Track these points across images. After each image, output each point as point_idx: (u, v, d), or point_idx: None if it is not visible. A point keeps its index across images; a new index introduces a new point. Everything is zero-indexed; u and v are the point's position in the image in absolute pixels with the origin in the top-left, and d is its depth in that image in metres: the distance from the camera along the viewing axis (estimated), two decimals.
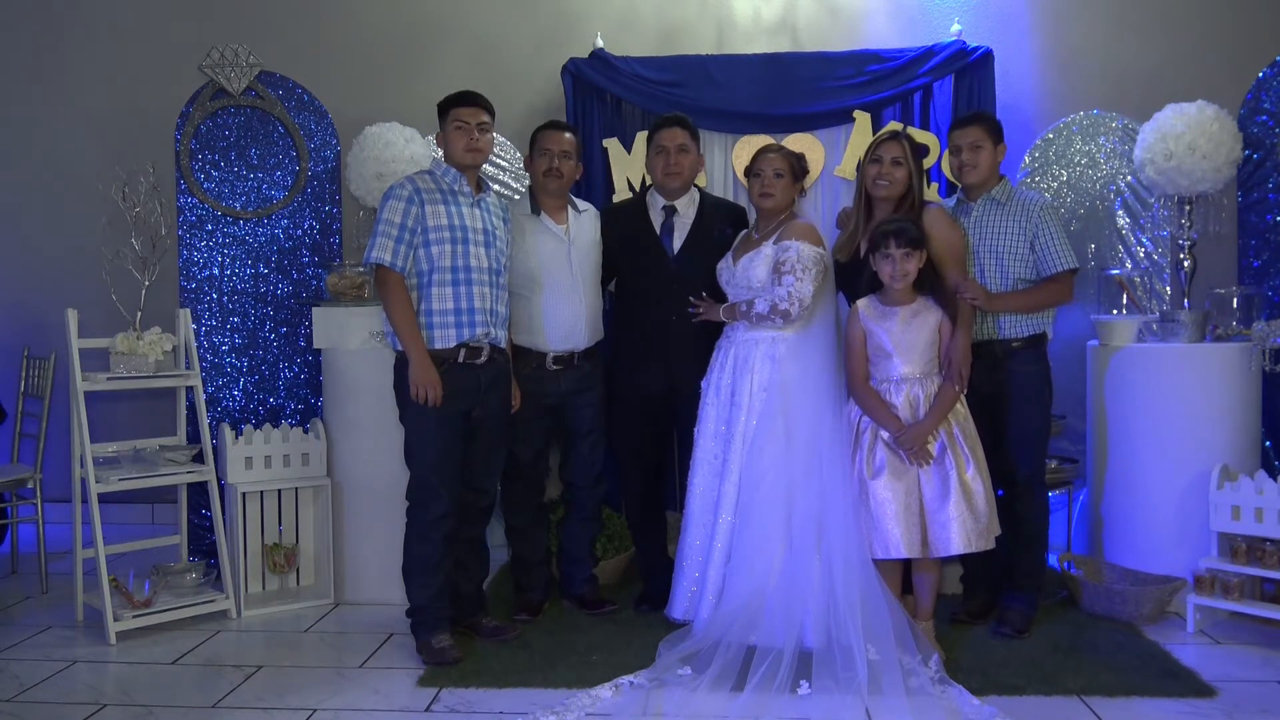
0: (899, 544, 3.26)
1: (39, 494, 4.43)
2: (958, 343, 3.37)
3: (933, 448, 3.31)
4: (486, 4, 5.06)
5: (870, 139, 4.24)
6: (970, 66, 4.53)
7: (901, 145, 3.49)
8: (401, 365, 3.43)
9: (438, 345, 3.41)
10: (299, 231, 4.82)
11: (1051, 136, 4.68)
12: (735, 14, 4.96)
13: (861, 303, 3.45)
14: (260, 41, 4.84)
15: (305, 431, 4.16)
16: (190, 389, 4.09)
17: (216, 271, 4.76)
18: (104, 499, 3.90)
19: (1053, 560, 3.95)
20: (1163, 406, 3.82)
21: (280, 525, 4.21)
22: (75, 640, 3.72)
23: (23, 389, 4.62)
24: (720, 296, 3.69)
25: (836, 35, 4.91)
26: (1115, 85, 4.79)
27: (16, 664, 3.48)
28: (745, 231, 3.75)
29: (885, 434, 3.34)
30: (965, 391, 3.39)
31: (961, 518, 3.25)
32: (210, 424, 4.24)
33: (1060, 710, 2.99)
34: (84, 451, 3.79)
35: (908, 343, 3.35)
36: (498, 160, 4.81)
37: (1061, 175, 4.66)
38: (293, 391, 4.82)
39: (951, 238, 3.48)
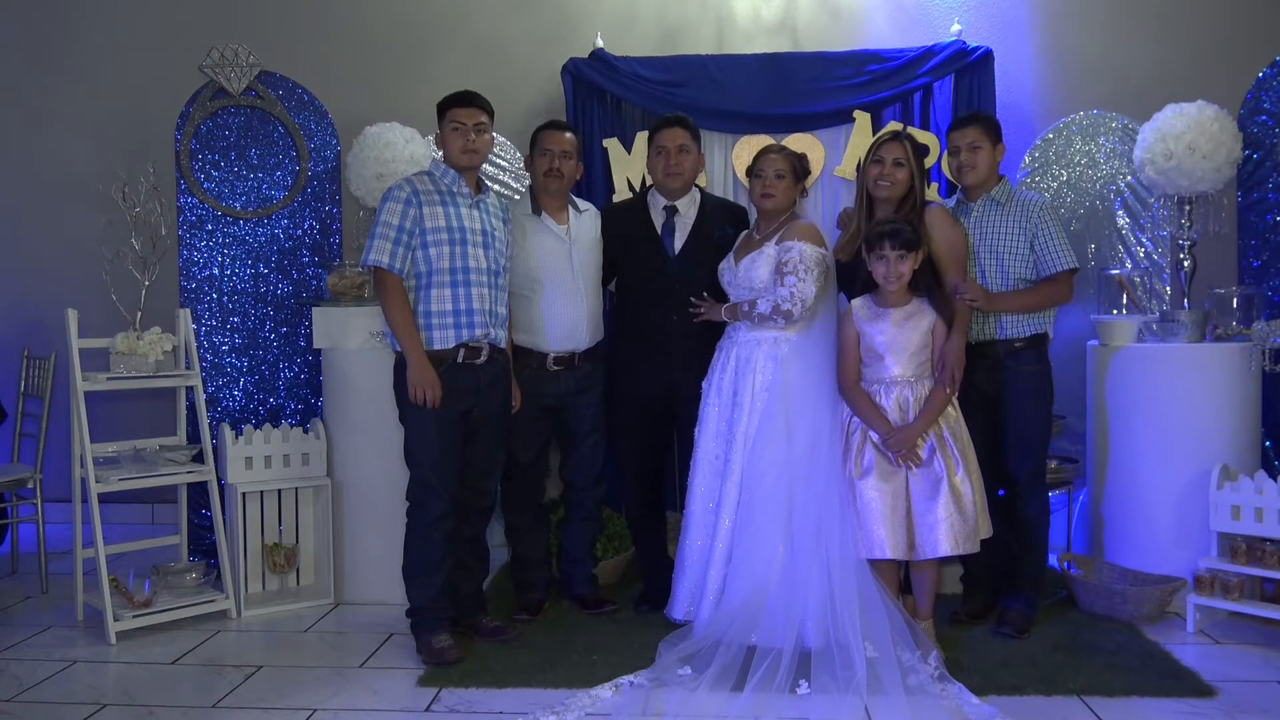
0: (884, 545, 3.26)
1: (39, 494, 4.43)
2: (952, 345, 3.36)
3: (922, 450, 3.31)
4: (486, 4, 5.06)
5: (870, 139, 4.24)
6: (970, 66, 4.53)
7: (903, 146, 3.49)
8: (401, 366, 3.43)
9: (436, 346, 3.41)
10: (299, 231, 4.82)
11: (1051, 136, 4.68)
12: (735, 14, 4.96)
13: (856, 303, 3.45)
14: (260, 41, 4.84)
15: (305, 431, 4.16)
16: (190, 389, 4.09)
17: (216, 271, 4.76)
18: (104, 499, 3.90)
19: (1053, 560, 3.95)
20: (1163, 406, 3.82)
21: (280, 525, 4.21)
22: (75, 640, 3.72)
23: (23, 389, 4.62)
24: (721, 297, 3.69)
25: (836, 35, 4.91)
26: (1115, 85, 4.79)
27: (16, 664, 3.48)
28: (746, 232, 3.75)
29: (874, 435, 3.34)
30: (956, 395, 3.39)
31: (949, 519, 3.26)
32: (210, 424, 4.24)
33: (1060, 710, 2.99)
34: (84, 451, 3.79)
35: (900, 344, 3.35)
36: (498, 160, 4.81)
37: (1061, 175, 4.66)
38: (293, 391, 4.82)
39: (952, 238, 3.48)
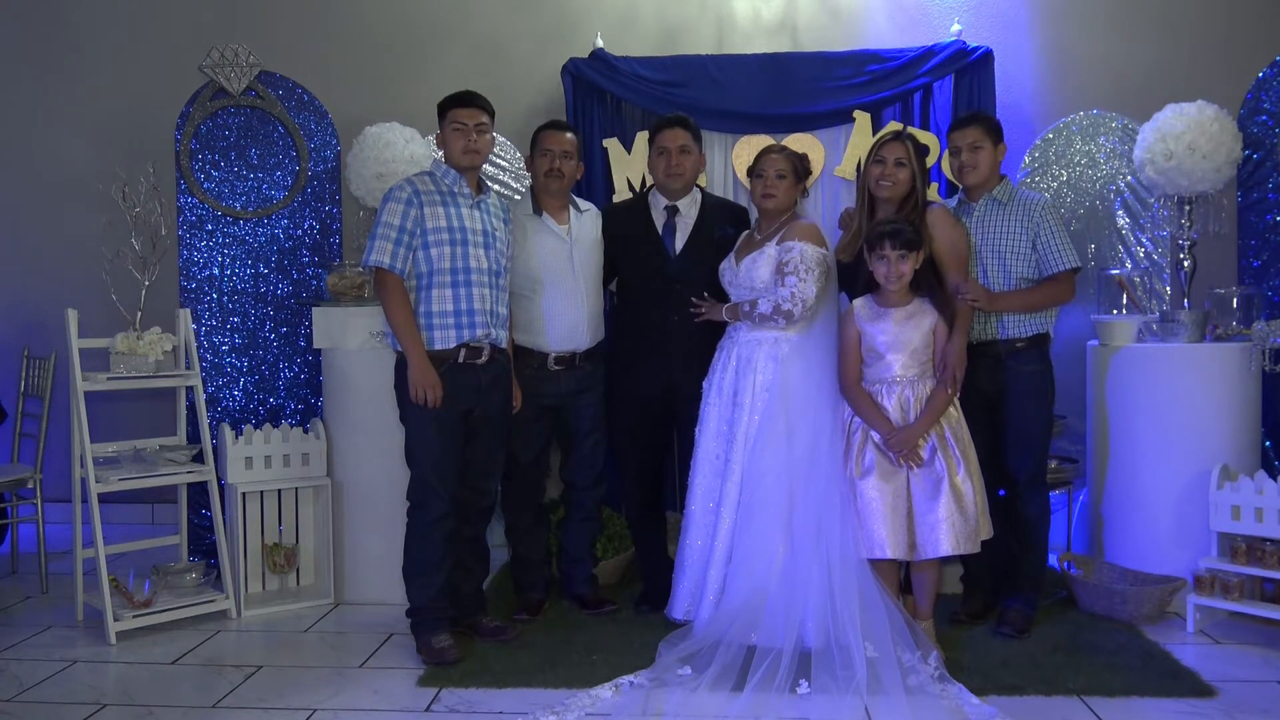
0: (884, 544, 3.26)
1: (39, 494, 4.43)
2: (953, 345, 3.36)
3: (923, 450, 3.31)
4: (487, 4, 5.06)
5: (870, 139, 4.25)
6: (970, 66, 4.53)
7: (905, 146, 3.48)
8: (402, 366, 3.43)
9: (438, 346, 3.41)
10: (299, 231, 4.82)
11: (1051, 136, 4.68)
12: (735, 14, 4.96)
13: (858, 303, 3.45)
14: (260, 41, 4.84)
15: (305, 431, 4.16)
16: (190, 389, 4.09)
17: (216, 271, 4.76)
18: (104, 499, 3.90)
19: (1053, 560, 3.95)
20: (1163, 406, 3.82)
21: (280, 525, 4.21)
22: (75, 640, 3.72)
23: (23, 389, 4.62)
24: (721, 297, 3.69)
25: (836, 35, 4.92)
26: (1115, 85, 4.79)
27: (16, 664, 3.48)
28: (747, 232, 3.75)
29: (875, 435, 3.34)
30: (958, 395, 3.39)
31: (951, 519, 3.25)
32: (210, 424, 4.24)
33: (1060, 710, 2.99)
34: (84, 451, 3.79)
35: (901, 344, 3.34)
36: (498, 160, 4.81)
37: (1061, 175, 4.66)
38: (293, 391, 4.82)
39: (954, 238, 3.48)
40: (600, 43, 4.70)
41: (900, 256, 3.31)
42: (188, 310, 4.13)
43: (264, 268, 4.79)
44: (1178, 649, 3.45)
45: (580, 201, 3.90)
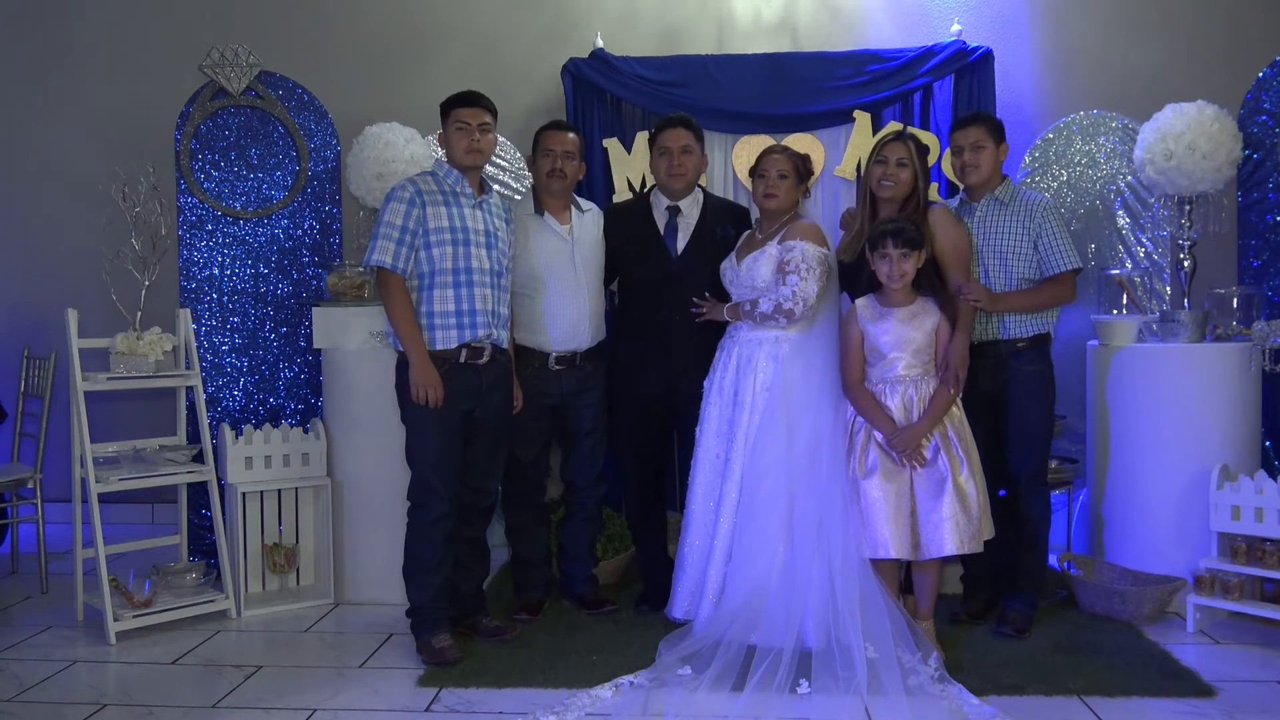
0: (888, 544, 3.26)
1: (39, 494, 4.43)
2: (955, 345, 3.36)
3: (926, 450, 3.30)
4: (486, 4, 5.06)
5: (870, 139, 4.25)
6: (970, 66, 4.54)
7: (907, 146, 3.48)
8: (403, 366, 3.43)
9: (439, 346, 3.41)
10: (299, 231, 4.82)
11: (1051, 136, 4.68)
12: (735, 14, 4.96)
13: (860, 302, 3.45)
14: (260, 41, 4.84)
15: (305, 431, 4.16)
16: (190, 389, 4.09)
17: (216, 271, 4.76)
18: (104, 499, 3.90)
19: (1053, 560, 3.95)
20: (1163, 406, 3.82)
21: (280, 525, 4.21)
22: (75, 640, 3.72)
23: (23, 389, 4.62)
24: (723, 297, 3.69)
25: (836, 35, 4.92)
26: (1115, 85, 4.80)
27: (16, 664, 3.48)
28: (749, 232, 3.75)
29: (878, 435, 3.34)
30: (960, 395, 3.39)
31: (954, 519, 3.25)
32: (210, 424, 4.24)
33: (1060, 710, 3.00)
34: (84, 451, 3.79)
35: (904, 343, 3.34)
36: (498, 160, 4.81)
37: (1061, 175, 4.66)
38: (293, 391, 4.82)
39: (956, 238, 3.48)
40: (600, 43, 4.70)
41: (902, 255, 3.31)
42: (188, 310, 4.13)
43: (264, 268, 4.79)
44: (1178, 649, 3.45)
45: (582, 201, 3.90)
